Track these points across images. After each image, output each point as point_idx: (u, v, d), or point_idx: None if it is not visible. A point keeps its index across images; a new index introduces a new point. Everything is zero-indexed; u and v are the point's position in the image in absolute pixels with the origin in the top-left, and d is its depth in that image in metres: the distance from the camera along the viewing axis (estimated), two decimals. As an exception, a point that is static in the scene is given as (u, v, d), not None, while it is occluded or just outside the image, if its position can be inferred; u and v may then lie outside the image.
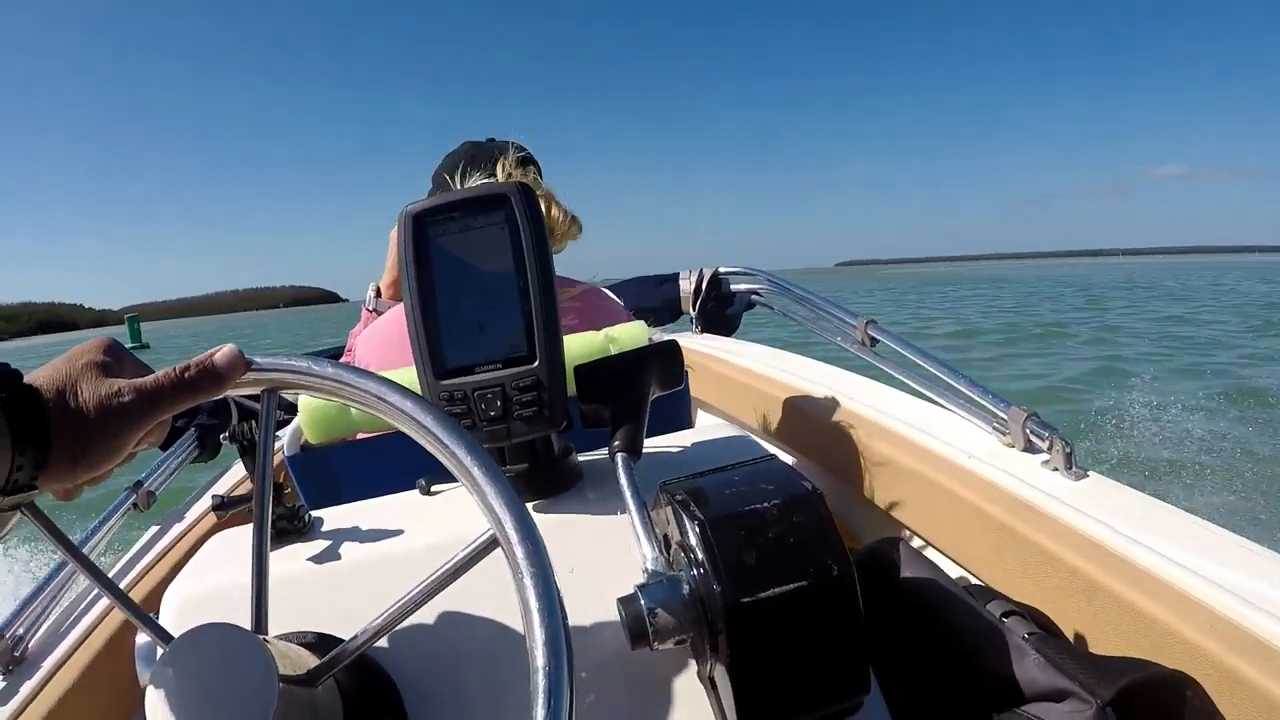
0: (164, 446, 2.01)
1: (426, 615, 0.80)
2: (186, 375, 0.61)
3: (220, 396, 0.63)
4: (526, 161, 1.50)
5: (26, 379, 0.55)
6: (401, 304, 1.29)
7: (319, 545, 0.86)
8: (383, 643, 0.77)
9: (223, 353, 0.63)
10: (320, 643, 0.74)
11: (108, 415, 0.56)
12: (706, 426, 1.04)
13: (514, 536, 0.56)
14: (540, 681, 0.50)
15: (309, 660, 0.65)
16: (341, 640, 0.74)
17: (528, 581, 0.54)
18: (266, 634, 0.65)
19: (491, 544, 0.59)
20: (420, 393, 0.76)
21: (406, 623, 0.78)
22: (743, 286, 2.72)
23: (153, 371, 0.62)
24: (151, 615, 0.68)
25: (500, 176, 1.39)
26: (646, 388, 0.87)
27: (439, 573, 0.61)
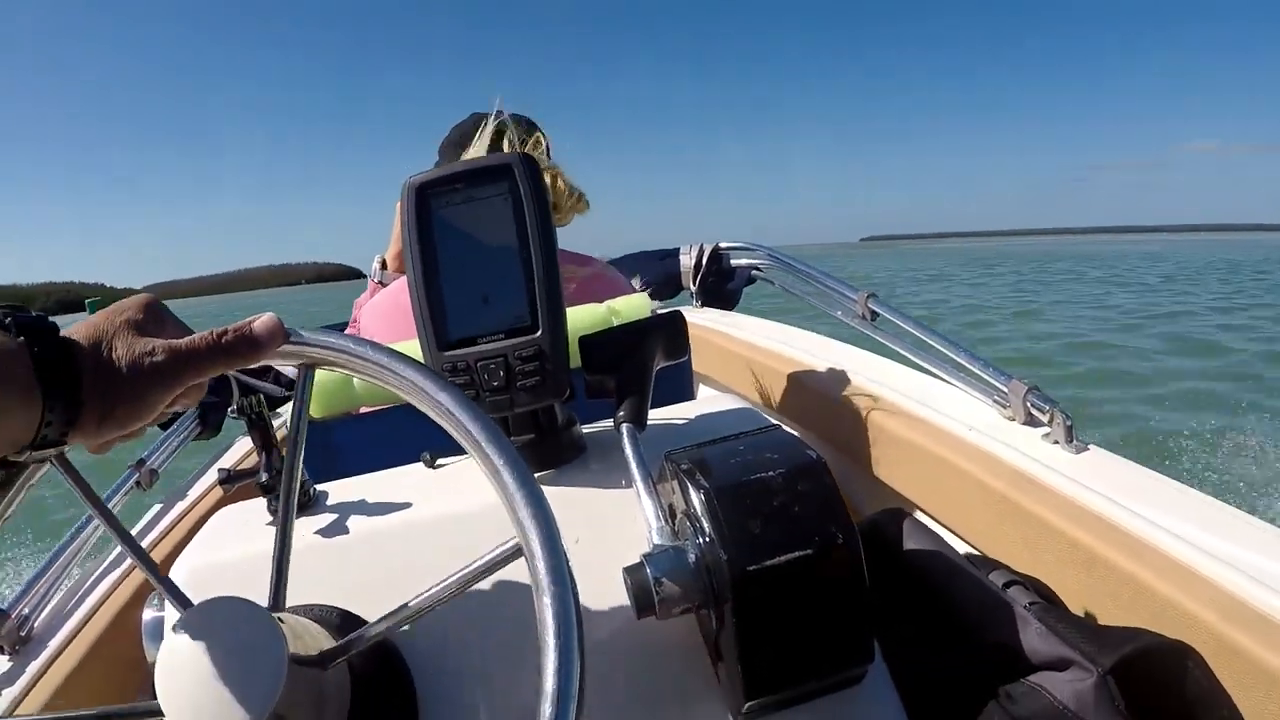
0: (165, 425, 2.01)
1: (430, 586, 0.80)
2: (224, 340, 0.60)
3: (256, 365, 0.62)
4: (532, 130, 1.50)
5: (63, 333, 0.55)
6: (402, 280, 1.29)
7: (324, 518, 0.86)
8: (380, 613, 0.78)
9: (262, 321, 0.62)
10: (335, 619, 0.75)
11: (139, 374, 0.56)
12: (711, 397, 1.04)
13: (523, 510, 0.56)
14: (550, 657, 0.51)
15: (323, 639, 0.65)
16: (355, 615, 0.74)
17: (538, 555, 0.54)
18: (283, 608, 0.65)
19: (515, 554, 0.59)
20: (424, 362, 0.76)
21: (407, 596, 0.79)
22: (743, 261, 2.72)
23: (192, 333, 0.62)
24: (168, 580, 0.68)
25: (505, 148, 1.39)
26: (651, 358, 0.87)
27: (466, 571, 0.61)
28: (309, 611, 0.74)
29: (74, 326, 0.57)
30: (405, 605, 0.62)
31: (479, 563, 0.60)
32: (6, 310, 0.53)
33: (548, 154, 1.54)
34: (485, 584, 0.79)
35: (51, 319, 0.56)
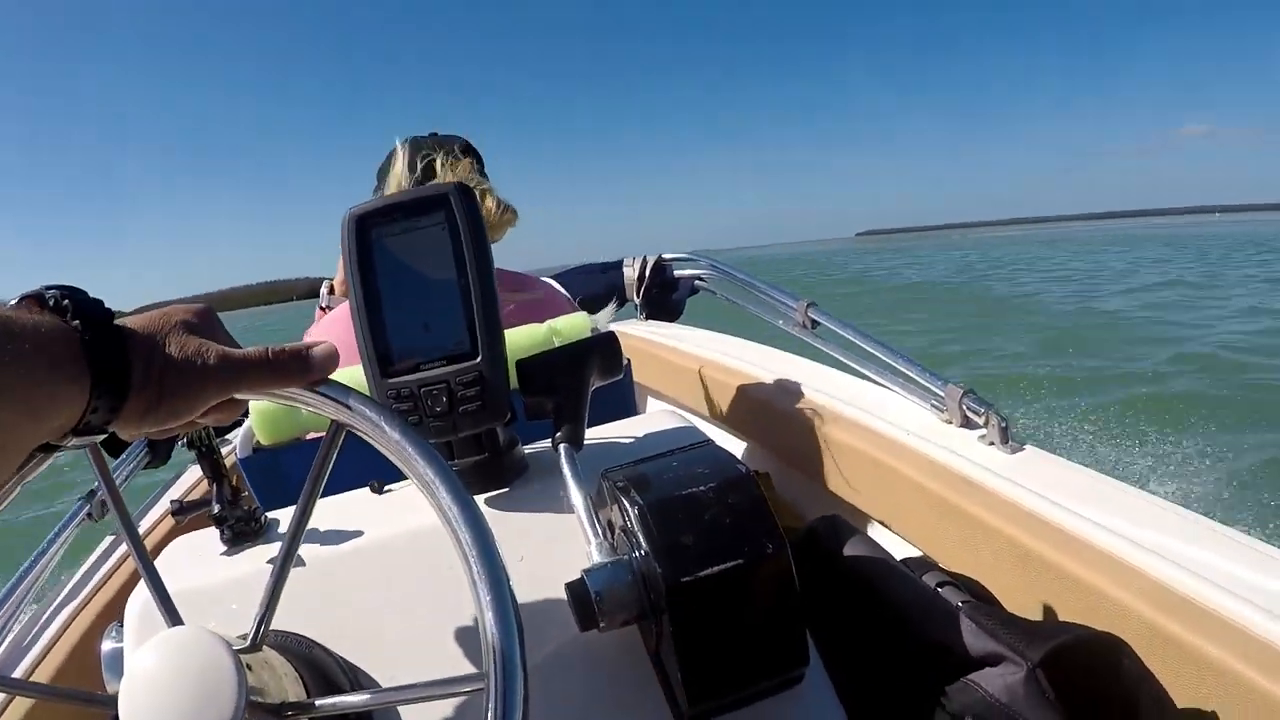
0: (114, 454, 1.98)
1: (383, 609, 0.81)
2: (276, 358, 0.60)
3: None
4: (467, 153, 1.51)
5: (117, 321, 0.54)
6: (345, 306, 1.29)
7: (276, 545, 0.87)
8: (339, 636, 0.78)
9: (322, 348, 0.62)
10: (293, 645, 0.76)
11: (190, 372, 0.55)
12: (650, 414, 1.06)
13: (463, 531, 0.57)
14: (493, 670, 0.52)
15: (289, 684, 0.66)
16: (301, 636, 0.75)
17: (479, 573, 0.55)
18: (260, 648, 0.66)
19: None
20: (368, 391, 0.77)
21: (362, 618, 0.79)
22: (686, 272, 2.73)
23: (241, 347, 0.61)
24: (118, 624, 0.68)
25: (439, 173, 1.41)
26: (586, 379, 0.89)
27: (429, 690, 0.61)
28: (269, 638, 0.75)
29: (129, 317, 0.56)
30: (379, 689, 0.65)
31: (440, 686, 0.61)
32: (63, 291, 0.52)
33: (481, 171, 1.55)
34: (432, 605, 0.80)
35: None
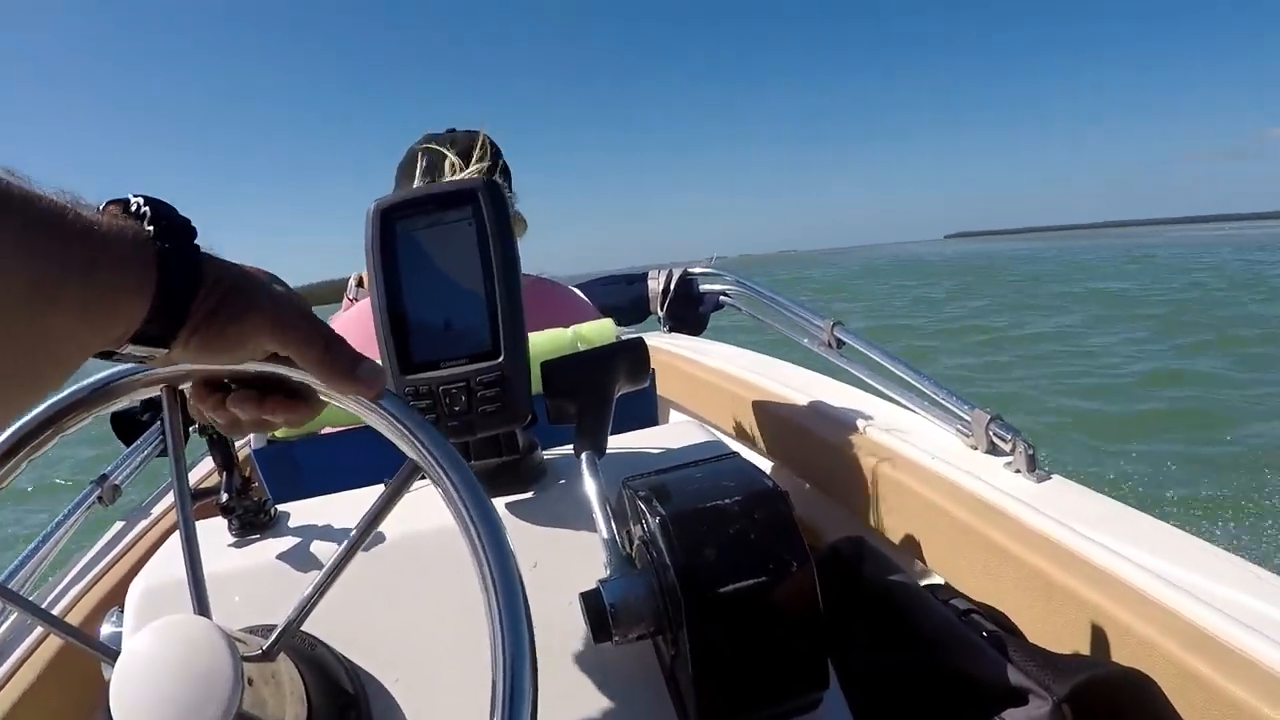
0: (127, 441, 1.98)
1: (390, 611, 0.80)
2: (329, 353, 0.58)
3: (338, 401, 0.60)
4: (483, 150, 1.50)
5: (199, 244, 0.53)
6: (367, 301, 1.29)
7: (285, 539, 0.86)
8: (349, 639, 0.77)
9: (368, 365, 0.60)
10: (311, 653, 0.75)
11: (249, 307, 0.54)
12: (674, 425, 1.04)
13: (479, 533, 0.56)
14: (501, 678, 0.50)
15: (290, 704, 0.65)
16: (311, 636, 0.74)
17: (491, 579, 0.54)
18: (275, 659, 0.65)
19: (413, 472, 0.61)
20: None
21: (371, 617, 0.78)
22: (711, 287, 2.73)
23: None
24: (119, 608, 0.67)
25: (447, 172, 1.40)
26: (612, 384, 0.88)
27: (364, 520, 0.62)
28: (264, 631, 0.74)
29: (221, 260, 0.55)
30: (323, 577, 0.62)
31: (378, 499, 0.63)
32: (148, 200, 0.51)
33: (493, 172, 1.54)
34: (445, 610, 0.79)
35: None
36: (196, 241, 0.53)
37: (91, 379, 0.63)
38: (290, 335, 0.56)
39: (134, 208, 0.51)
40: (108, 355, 0.52)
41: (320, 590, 0.62)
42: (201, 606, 0.64)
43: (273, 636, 0.63)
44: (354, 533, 0.62)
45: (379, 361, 0.83)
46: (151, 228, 0.50)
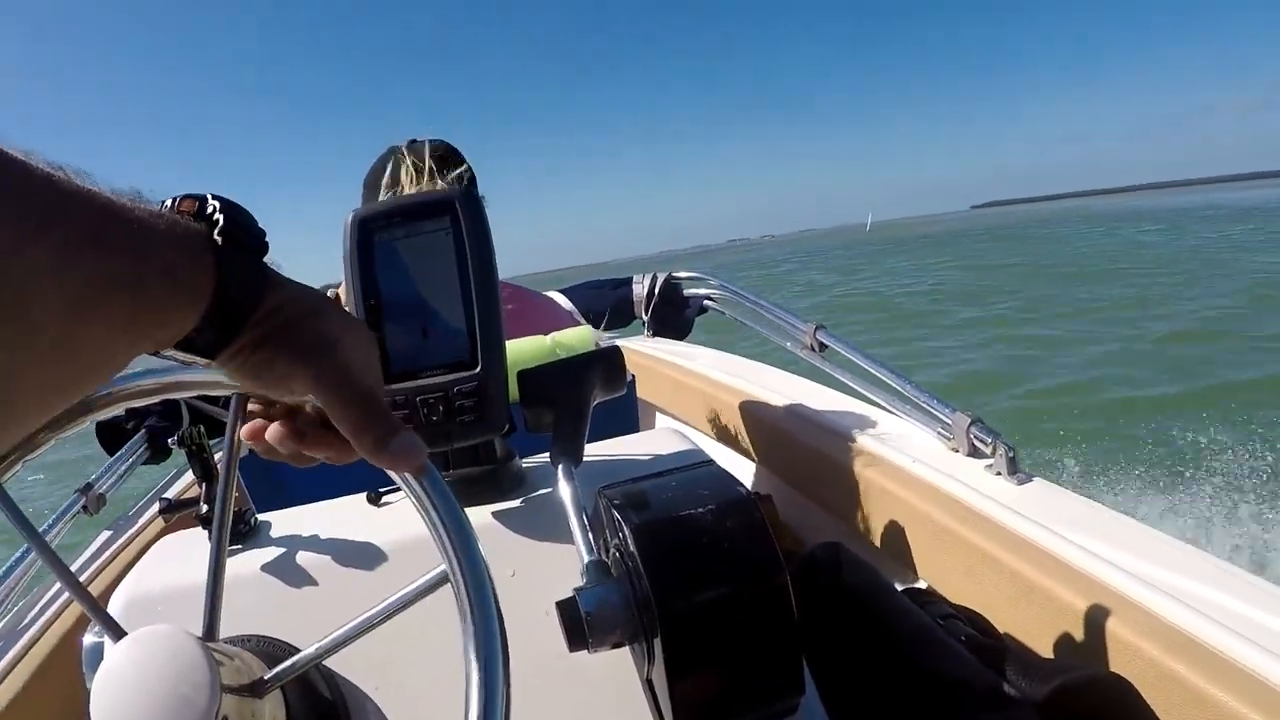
0: (111, 450, 1.97)
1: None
2: (368, 403, 0.53)
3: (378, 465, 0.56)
4: (445, 161, 1.48)
5: (271, 270, 0.50)
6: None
7: (266, 549, 0.86)
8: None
9: (405, 442, 0.54)
10: (272, 650, 0.74)
11: (295, 344, 0.51)
12: (652, 432, 1.04)
13: (450, 540, 0.56)
14: (474, 694, 0.50)
15: (256, 668, 0.64)
16: (290, 646, 0.73)
17: (464, 592, 0.54)
18: (217, 639, 0.64)
19: (443, 580, 0.57)
20: None
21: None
22: (695, 291, 2.74)
23: (377, 385, 0.55)
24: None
25: (410, 184, 1.40)
26: (589, 393, 0.88)
27: (393, 600, 0.60)
28: (245, 642, 0.73)
29: (311, 288, 0.52)
30: (337, 633, 0.61)
31: (407, 591, 0.60)
32: (225, 204, 0.48)
33: (457, 180, 1.53)
34: (421, 618, 0.79)
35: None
36: (266, 258, 0.50)
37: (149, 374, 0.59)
38: (329, 395, 0.52)
39: (209, 210, 0.47)
40: (152, 352, 0.48)
41: (326, 650, 0.61)
42: (211, 629, 0.63)
43: (269, 674, 0.62)
44: (373, 611, 0.61)
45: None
46: (220, 238, 0.47)
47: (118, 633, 0.61)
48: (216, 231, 0.47)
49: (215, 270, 0.46)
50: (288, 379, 0.51)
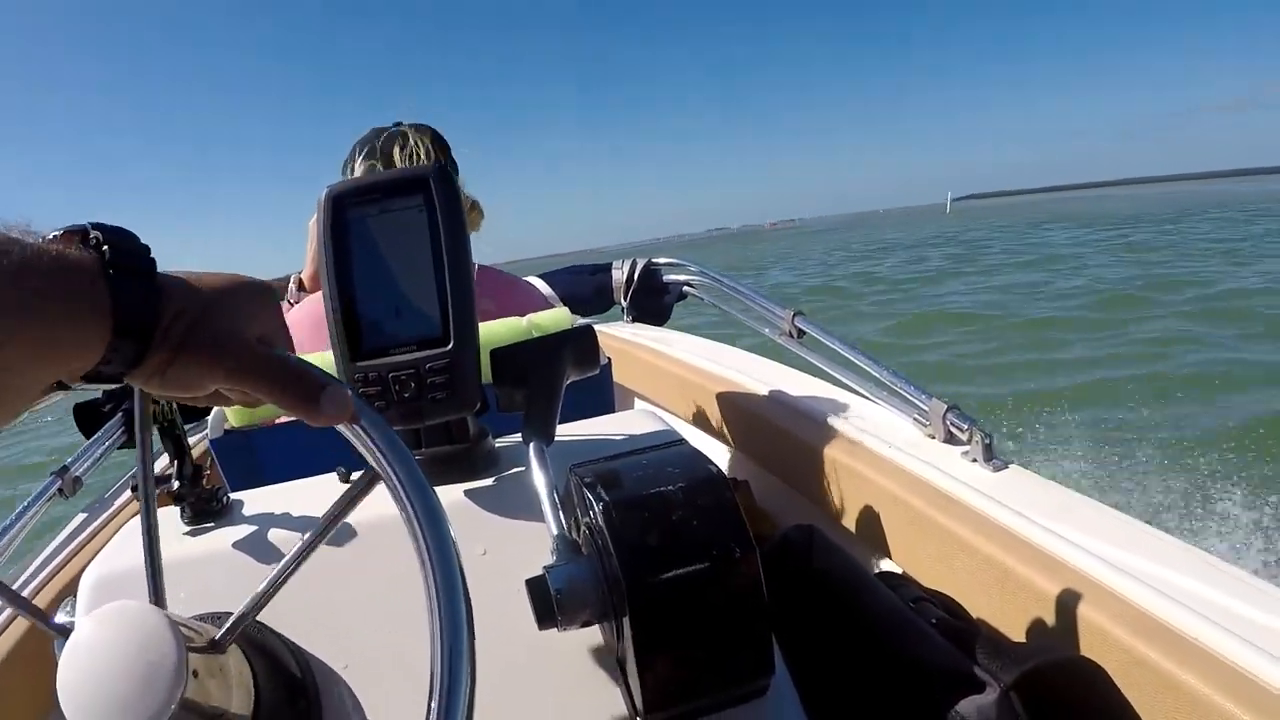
0: (88, 433, 1.97)
1: (340, 598, 0.79)
2: (290, 377, 0.54)
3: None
4: (433, 143, 1.49)
5: (160, 278, 0.50)
6: (318, 294, 1.27)
7: (238, 527, 0.86)
8: (298, 626, 0.76)
9: (333, 393, 0.55)
10: (224, 621, 0.74)
11: (203, 350, 0.51)
12: (626, 413, 1.04)
13: (420, 520, 0.55)
14: (439, 663, 0.50)
15: (237, 695, 0.64)
16: (260, 624, 0.73)
17: (431, 564, 0.54)
18: (164, 606, 0.64)
19: (370, 482, 0.59)
20: (336, 374, 0.75)
21: (322, 608, 0.77)
22: (674, 277, 2.74)
23: (287, 345, 0.58)
24: (73, 597, 0.67)
25: (399, 161, 1.41)
26: (561, 372, 0.88)
27: (320, 524, 0.61)
28: (215, 619, 0.73)
29: (181, 274, 0.53)
30: (274, 571, 0.61)
31: (338, 500, 0.61)
32: (109, 232, 0.48)
33: (453, 168, 1.53)
34: (390, 595, 0.78)
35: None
36: (158, 271, 0.50)
37: None
38: (248, 382, 0.54)
39: (92, 240, 0.48)
40: (63, 387, 0.49)
41: (274, 585, 0.61)
42: (157, 596, 0.64)
43: (223, 629, 0.62)
44: (309, 535, 0.61)
45: (328, 352, 0.82)
46: (112, 270, 0.47)
47: (66, 634, 0.60)
48: (104, 257, 0.47)
49: (109, 292, 0.46)
50: (206, 379, 0.53)
